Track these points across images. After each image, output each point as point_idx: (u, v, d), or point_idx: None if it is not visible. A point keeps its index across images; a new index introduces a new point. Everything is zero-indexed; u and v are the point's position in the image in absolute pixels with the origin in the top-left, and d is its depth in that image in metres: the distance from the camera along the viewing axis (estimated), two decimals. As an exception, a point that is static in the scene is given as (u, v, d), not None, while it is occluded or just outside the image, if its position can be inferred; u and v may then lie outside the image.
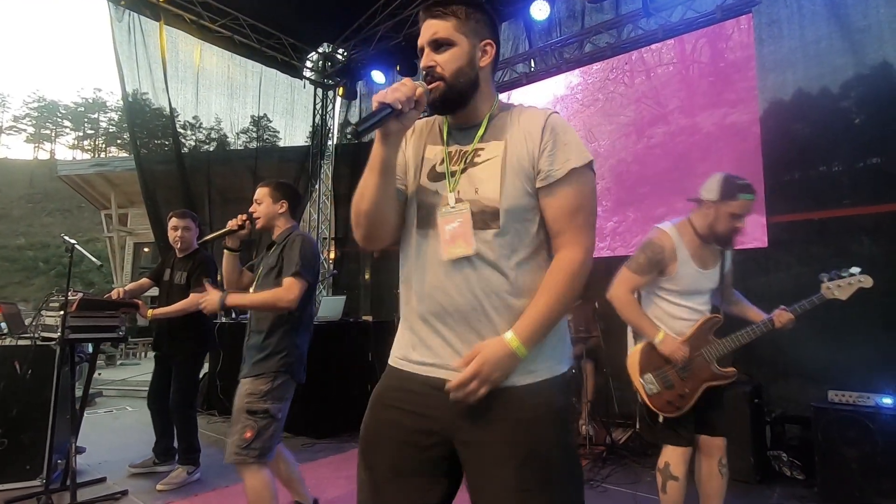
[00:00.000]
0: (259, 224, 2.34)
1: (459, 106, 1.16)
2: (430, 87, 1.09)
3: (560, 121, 1.13)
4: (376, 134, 1.04)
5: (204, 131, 6.55)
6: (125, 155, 27.92)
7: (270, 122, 6.91)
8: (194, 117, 6.18)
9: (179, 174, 5.66)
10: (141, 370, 7.06)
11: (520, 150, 1.11)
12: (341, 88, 6.89)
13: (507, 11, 5.38)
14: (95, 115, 53.45)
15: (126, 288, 3.26)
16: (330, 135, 7.28)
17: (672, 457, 2.10)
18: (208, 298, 2.21)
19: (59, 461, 3.13)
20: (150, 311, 3.13)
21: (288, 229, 2.38)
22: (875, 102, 3.55)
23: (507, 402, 1.06)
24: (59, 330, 2.77)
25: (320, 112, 7.17)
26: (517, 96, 5.51)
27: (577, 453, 1.17)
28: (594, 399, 4.02)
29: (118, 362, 9.66)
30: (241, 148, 6.67)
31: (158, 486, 3.10)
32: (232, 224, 2.31)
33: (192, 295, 3.01)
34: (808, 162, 3.82)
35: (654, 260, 2.09)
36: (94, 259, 3.39)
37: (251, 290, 2.35)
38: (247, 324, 2.34)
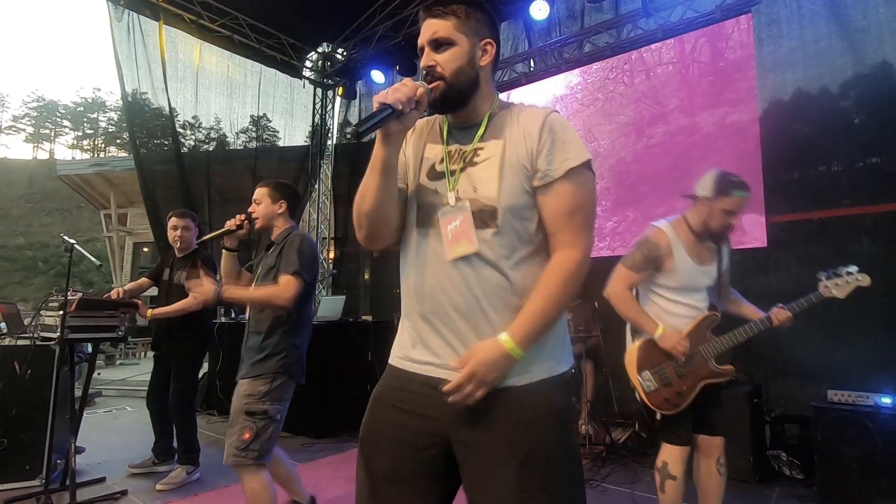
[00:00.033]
0: (258, 224, 2.33)
1: (459, 105, 1.15)
2: (430, 86, 1.09)
3: (559, 120, 1.13)
4: (377, 134, 1.04)
5: (203, 131, 6.54)
6: (124, 155, 27.92)
7: (270, 121, 6.90)
8: (194, 117, 6.17)
9: (179, 174, 5.66)
10: (140, 370, 7.05)
11: (519, 148, 1.11)
12: (341, 88, 6.89)
13: (507, 11, 5.38)
14: (95, 115, 53.36)
15: (125, 288, 3.26)
16: (329, 135, 7.27)
17: (670, 456, 2.10)
18: (202, 288, 2.18)
19: (58, 461, 3.13)
20: (149, 311, 3.12)
21: (287, 229, 2.37)
22: (874, 102, 3.56)
23: (506, 402, 1.05)
24: (59, 330, 2.77)
25: (320, 112, 7.16)
26: (517, 96, 5.50)
27: (579, 453, 1.16)
28: (594, 399, 4.02)
29: (117, 362, 9.66)
30: (241, 148, 6.67)
31: (158, 486, 3.10)
32: (230, 224, 2.30)
33: (187, 283, 3.00)
34: (808, 162, 3.82)
35: (649, 257, 2.10)
36: (93, 259, 3.39)
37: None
38: (246, 324, 2.33)
